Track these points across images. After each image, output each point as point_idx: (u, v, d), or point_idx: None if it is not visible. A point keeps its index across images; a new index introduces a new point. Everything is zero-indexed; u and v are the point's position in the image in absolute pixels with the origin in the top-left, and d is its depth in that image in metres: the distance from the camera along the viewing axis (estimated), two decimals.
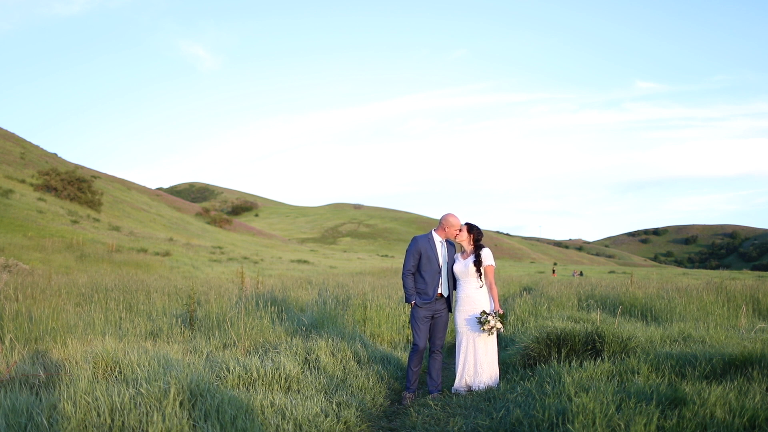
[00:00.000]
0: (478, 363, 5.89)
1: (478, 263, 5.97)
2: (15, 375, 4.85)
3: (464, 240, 6.07)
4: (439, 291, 5.88)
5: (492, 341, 5.97)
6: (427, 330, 5.88)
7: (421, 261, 5.85)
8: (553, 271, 43.62)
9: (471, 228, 6.11)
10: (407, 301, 5.86)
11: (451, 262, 6.01)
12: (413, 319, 5.85)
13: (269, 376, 5.26)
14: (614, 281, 18.43)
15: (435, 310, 5.87)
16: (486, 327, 5.77)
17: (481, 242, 6.13)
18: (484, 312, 5.86)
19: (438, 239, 5.97)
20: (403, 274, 5.93)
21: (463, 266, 6.00)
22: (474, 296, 5.95)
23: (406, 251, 5.96)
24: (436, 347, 5.93)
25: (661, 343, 6.98)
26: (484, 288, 6.01)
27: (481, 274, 5.96)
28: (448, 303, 5.97)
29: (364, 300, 9.51)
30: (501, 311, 5.90)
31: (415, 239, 5.93)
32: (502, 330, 5.86)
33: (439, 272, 5.86)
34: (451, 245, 6.08)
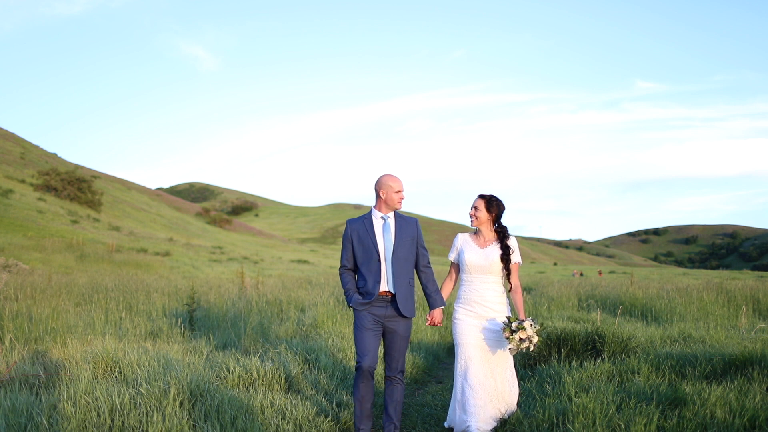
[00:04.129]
0: (501, 388, 4.33)
1: (506, 257, 4.35)
2: (15, 375, 4.85)
3: (483, 221, 4.39)
4: (382, 288, 4.17)
5: (511, 357, 4.46)
6: (374, 340, 4.18)
7: (356, 250, 4.27)
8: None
9: (490, 203, 4.35)
10: (348, 303, 4.33)
11: (404, 242, 4.25)
12: (354, 327, 4.28)
13: (269, 376, 5.26)
14: (614, 281, 18.43)
15: (385, 317, 4.18)
16: (517, 338, 4.18)
17: (503, 224, 4.45)
18: (513, 318, 4.29)
19: (378, 215, 4.29)
20: (339, 270, 4.42)
21: (482, 258, 4.35)
22: (491, 298, 4.37)
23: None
24: (392, 370, 4.26)
25: (662, 343, 6.97)
26: (503, 291, 4.43)
27: (509, 273, 4.39)
28: (397, 307, 4.18)
29: None
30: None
31: (347, 223, 4.38)
32: (532, 348, 4.27)
33: (380, 260, 4.19)
34: (404, 220, 4.33)
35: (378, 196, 4.32)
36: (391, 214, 4.32)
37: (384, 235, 4.25)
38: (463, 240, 4.53)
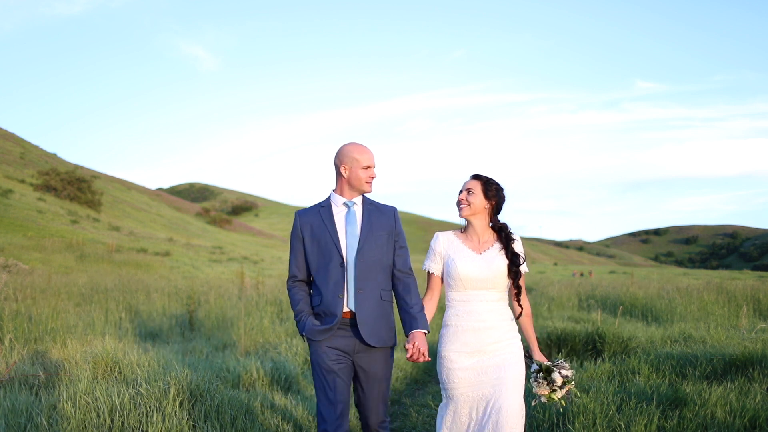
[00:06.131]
0: None
1: (515, 265, 3.09)
2: (15, 375, 4.84)
3: (478, 210, 3.12)
4: (346, 305, 2.97)
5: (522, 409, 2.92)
6: (342, 387, 2.97)
7: (308, 252, 3.09)
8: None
9: (488, 186, 3.12)
10: (300, 333, 3.09)
11: (375, 238, 3.04)
12: (312, 370, 3.06)
13: (269, 376, 5.26)
14: (615, 281, 18.43)
15: (353, 350, 2.98)
16: (559, 396, 2.97)
17: (507, 225, 3.20)
18: (545, 366, 2.99)
19: (339, 201, 3.10)
20: (288, 284, 3.18)
21: (483, 267, 3.05)
22: (497, 323, 3.04)
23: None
24: (369, 427, 3.07)
25: (662, 343, 6.97)
26: (510, 311, 3.14)
27: (519, 290, 3.13)
28: (358, 331, 2.96)
29: None
30: (546, 361, 3.06)
31: (296, 215, 3.16)
32: (564, 404, 3.05)
33: (343, 264, 2.99)
34: (376, 208, 3.13)
35: (338, 173, 3.10)
36: (358, 200, 3.12)
37: (347, 229, 3.05)
38: (447, 242, 3.16)
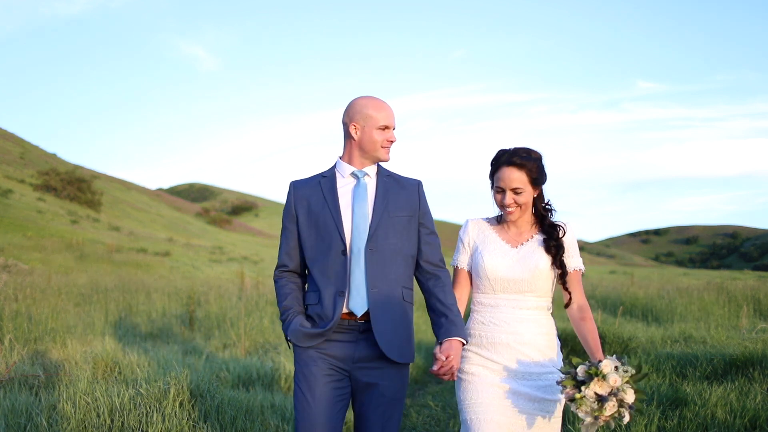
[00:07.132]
0: None
1: (558, 258, 2.46)
2: (14, 375, 4.84)
3: (528, 207, 2.47)
4: (349, 306, 2.27)
5: None
6: (328, 410, 2.27)
7: (303, 234, 2.38)
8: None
9: (539, 171, 2.44)
10: (284, 333, 2.38)
11: (393, 220, 2.34)
12: (294, 383, 2.35)
13: (269, 376, 5.26)
14: (615, 281, 18.44)
15: (353, 361, 2.30)
16: (591, 396, 2.10)
17: (550, 204, 2.51)
18: (575, 360, 2.22)
19: (347, 170, 2.40)
20: (275, 274, 2.48)
21: (517, 264, 2.44)
22: (532, 337, 2.45)
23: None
24: None
25: (662, 343, 6.97)
26: (552, 324, 2.57)
27: (565, 285, 2.53)
28: (376, 341, 2.26)
29: None
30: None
31: (290, 187, 2.43)
32: (628, 417, 2.15)
33: (345, 252, 2.29)
34: (395, 182, 2.43)
35: (347, 135, 2.41)
36: (372, 170, 2.42)
37: (355, 205, 2.34)
38: (477, 231, 2.54)
